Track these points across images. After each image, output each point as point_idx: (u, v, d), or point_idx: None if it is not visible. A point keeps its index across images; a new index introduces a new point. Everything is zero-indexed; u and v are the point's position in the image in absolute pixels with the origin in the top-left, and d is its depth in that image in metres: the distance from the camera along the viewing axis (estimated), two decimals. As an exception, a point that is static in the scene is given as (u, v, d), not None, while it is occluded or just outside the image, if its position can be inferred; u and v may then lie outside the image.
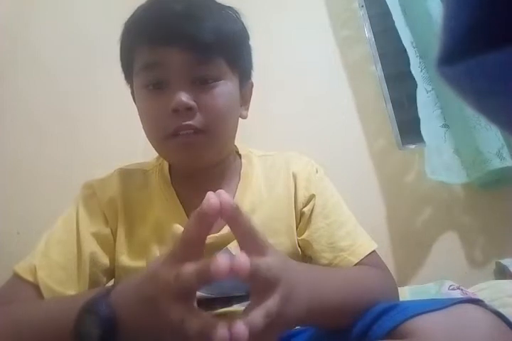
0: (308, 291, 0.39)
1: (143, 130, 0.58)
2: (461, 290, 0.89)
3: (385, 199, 1.26)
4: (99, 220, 0.57)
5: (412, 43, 1.14)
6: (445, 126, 1.13)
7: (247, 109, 0.64)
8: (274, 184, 0.62)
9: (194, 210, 0.33)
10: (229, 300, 0.54)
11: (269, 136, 1.31)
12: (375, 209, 1.26)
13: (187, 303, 0.33)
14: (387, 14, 1.18)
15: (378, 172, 1.28)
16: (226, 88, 0.55)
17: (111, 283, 0.58)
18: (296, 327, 0.56)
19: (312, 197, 0.60)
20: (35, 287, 0.49)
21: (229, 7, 0.58)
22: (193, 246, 0.34)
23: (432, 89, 1.13)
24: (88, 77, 1.11)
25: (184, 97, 0.50)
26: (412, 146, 1.29)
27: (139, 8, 0.56)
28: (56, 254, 0.53)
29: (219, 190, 0.33)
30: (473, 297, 0.76)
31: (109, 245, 0.57)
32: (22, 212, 0.80)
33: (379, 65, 1.33)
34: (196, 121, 0.52)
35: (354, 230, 0.59)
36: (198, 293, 0.51)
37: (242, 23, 0.59)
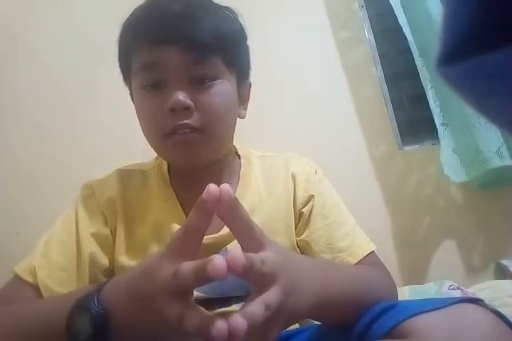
0: (312, 286, 0.39)
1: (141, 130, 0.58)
2: (461, 290, 0.90)
3: (385, 200, 1.26)
4: (98, 220, 0.57)
5: (411, 42, 1.14)
6: (444, 124, 1.13)
7: (246, 108, 0.64)
8: (273, 184, 0.62)
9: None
10: (228, 301, 0.54)
11: (269, 136, 1.31)
12: (375, 209, 1.26)
13: (185, 299, 0.32)
14: (387, 14, 1.18)
15: (378, 173, 1.28)
16: (223, 87, 0.55)
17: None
18: (296, 326, 0.56)
19: (311, 197, 0.61)
20: (35, 288, 0.49)
21: (226, 7, 0.59)
22: (191, 238, 0.34)
23: (432, 87, 1.13)
24: (88, 77, 1.11)
25: (181, 96, 0.51)
26: (412, 147, 1.29)
27: (136, 8, 0.56)
28: (56, 255, 0.53)
29: (222, 184, 0.34)
30: (473, 296, 0.76)
31: (108, 245, 0.57)
32: (22, 212, 0.79)
33: (379, 66, 1.33)
34: (193, 120, 0.52)
35: (353, 231, 0.60)
36: (197, 294, 0.51)
37: (240, 24, 0.59)
